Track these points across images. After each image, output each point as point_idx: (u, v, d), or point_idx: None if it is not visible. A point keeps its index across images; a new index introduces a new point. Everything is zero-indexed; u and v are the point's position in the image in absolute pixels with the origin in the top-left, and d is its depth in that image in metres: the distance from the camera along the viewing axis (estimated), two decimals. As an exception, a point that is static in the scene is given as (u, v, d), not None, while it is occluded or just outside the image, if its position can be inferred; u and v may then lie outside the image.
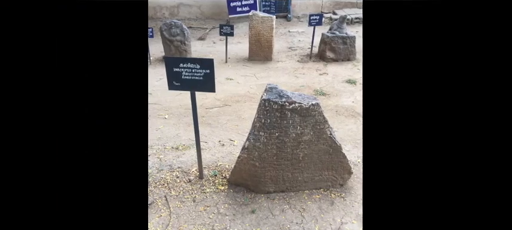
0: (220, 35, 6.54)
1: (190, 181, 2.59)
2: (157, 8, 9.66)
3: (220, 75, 5.70)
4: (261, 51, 6.54)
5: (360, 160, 2.94)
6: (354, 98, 4.61)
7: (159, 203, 2.36)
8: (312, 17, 6.42)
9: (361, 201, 2.38)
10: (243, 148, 2.26)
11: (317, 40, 6.82)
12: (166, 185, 2.56)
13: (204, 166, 2.73)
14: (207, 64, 2.11)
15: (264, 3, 9.48)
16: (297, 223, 2.19)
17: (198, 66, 2.11)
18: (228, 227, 2.16)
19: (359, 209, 2.31)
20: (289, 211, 2.28)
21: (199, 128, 2.64)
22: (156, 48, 7.37)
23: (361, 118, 3.94)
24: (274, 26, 6.37)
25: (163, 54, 6.78)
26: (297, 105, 2.07)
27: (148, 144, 3.27)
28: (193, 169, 2.75)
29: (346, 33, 6.32)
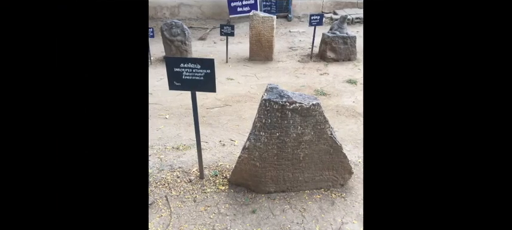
0: (221, 35, 6.54)
1: (191, 181, 2.59)
2: (158, 8, 9.67)
3: (221, 75, 5.71)
4: (261, 51, 6.54)
5: (361, 160, 2.94)
6: (355, 98, 4.60)
7: (160, 203, 2.36)
8: (312, 17, 6.42)
9: (362, 201, 2.38)
10: (244, 148, 2.26)
11: (318, 40, 6.82)
12: (167, 185, 2.56)
13: (204, 166, 2.73)
14: (208, 64, 2.11)
15: (264, 3, 9.48)
16: (297, 223, 2.19)
17: (199, 66, 2.11)
18: (228, 227, 2.16)
19: (360, 209, 2.31)
20: (290, 211, 2.28)
21: (200, 128, 2.64)
22: (156, 48, 7.38)
23: (361, 118, 3.94)
24: (274, 26, 6.37)
25: (163, 54, 6.79)
26: (297, 105, 2.07)
27: (149, 144, 3.27)
28: (194, 169, 2.75)
29: (346, 33, 6.32)
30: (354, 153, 3.09)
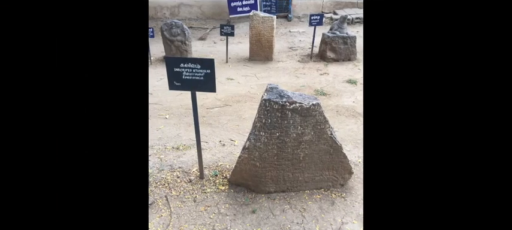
0: (221, 35, 6.54)
1: (190, 181, 2.59)
2: (158, 8, 9.67)
3: (221, 75, 5.71)
4: (261, 51, 6.54)
5: (361, 160, 2.94)
6: (355, 98, 4.60)
7: (160, 203, 2.36)
8: (312, 17, 6.42)
9: (362, 201, 2.38)
10: (244, 148, 2.26)
11: (318, 40, 6.82)
12: (167, 185, 2.56)
13: (204, 166, 2.73)
14: (208, 64, 2.11)
15: (264, 3, 9.48)
16: (297, 223, 2.19)
17: (199, 66, 2.11)
18: (228, 227, 2.16)
19: (360, 209, 2.31)
20: (290, 211, 2.28)
21: (200, 128, 2.64)
22: (156, 48, 7.38)
23: (361, 118, 3.94)
24: (274, 26, 6.37)
25: (163, 54, 6.79)
26: (297, 105, 2.07)
27: (149, 144, 3.27)
28: (194, 169, 2.75)
29: (346, 33, 6.32)
30: (354, 153, 3.09)
